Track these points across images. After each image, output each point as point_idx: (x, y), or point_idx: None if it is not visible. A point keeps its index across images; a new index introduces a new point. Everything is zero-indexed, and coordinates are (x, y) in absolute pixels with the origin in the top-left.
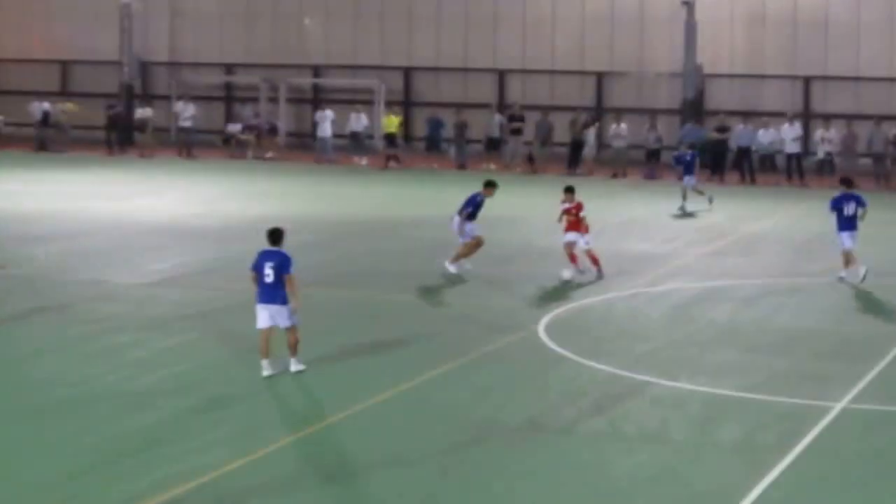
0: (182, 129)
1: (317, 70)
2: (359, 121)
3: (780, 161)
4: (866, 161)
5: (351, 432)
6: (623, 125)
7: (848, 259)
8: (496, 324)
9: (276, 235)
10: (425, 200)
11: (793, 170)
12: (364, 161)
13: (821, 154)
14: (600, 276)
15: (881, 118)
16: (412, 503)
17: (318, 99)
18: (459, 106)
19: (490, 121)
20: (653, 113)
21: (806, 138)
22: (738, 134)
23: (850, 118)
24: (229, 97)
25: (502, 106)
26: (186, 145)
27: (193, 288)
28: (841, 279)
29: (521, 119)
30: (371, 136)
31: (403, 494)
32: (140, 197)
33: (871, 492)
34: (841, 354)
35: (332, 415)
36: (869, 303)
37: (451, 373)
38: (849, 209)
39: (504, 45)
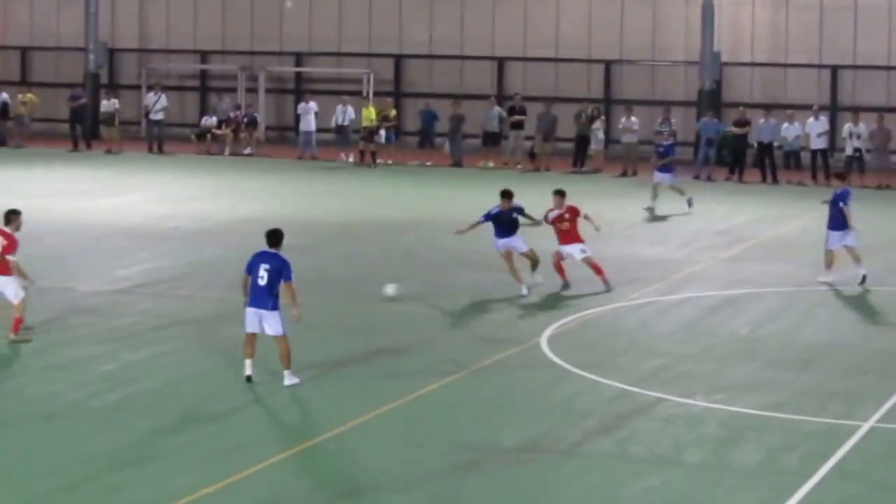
0: (152, 122)
1: (299, 58)
2: (345, 113)
3: (805, 158)
4: None
5: (338, 454)
6: (633, 118)
7: (832, 261)
8: (495, 336)
9: (275, 237)
10: (418, 200)
11: (818, 167)
12: (351, 157)
13: (849, 150)
14: (607, 287)
15: None
16: None
17: (300, 89)
18: (455, 97)
19: (488, 113)
20: (666, 105)
21: (833, 133)
22: (760, 128)
23: (881, 111)
24: (204, 87)
25: (502, 97)
26: (157, 140)
27: (165, 296)
28: (830, 284)
29: (523, 111)
30: (358, 130)
31: None
32: (107, 196)
33: None
34: (869, 370)
35: (318, 434)
36: None
37: (447, 389)
38: (843, 206)
39: (503, 31)
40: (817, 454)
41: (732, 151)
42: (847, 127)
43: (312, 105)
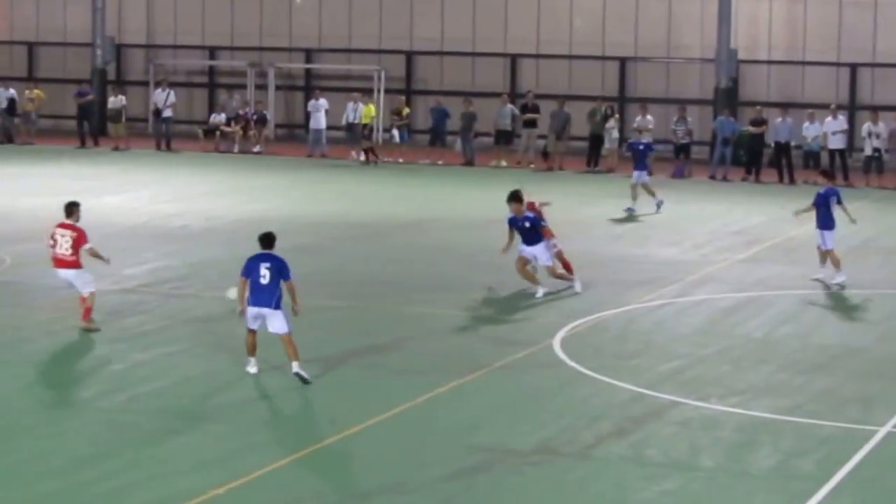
0: (161, 119)
1: (309, 54)
2: (356, 111)
3: (823, 157)
4: None
5: (346, 456)
6: (649, 117)
7: (826, 259)
8: (507, 337)
9: (269, 239)
10: (430, 199)
11: (836, 167)
12: (362, 156)
13: (868, 150)
14: (576, 286)
15: None
16: None
17: (310, 86)
18: (467, 94)
19: (501, 111)
20: (682, 103)
21: (851, 132)
22: (777, 127)
23: None
24: (212, 84)
25: (514, 95)
26: (165, 137)
27: (173, 295)
28: (821, 281)
29: (536, 109)
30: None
31: None
32: (114, 193)
33: None
34: (886, 374)
35: (327, 437)
36: None
37: (457, 391)
38: (832, 205)
39: (516, 27)
40: (833, 459)
41: (749, 151)
42: (866, 126)
43: (323, 102)
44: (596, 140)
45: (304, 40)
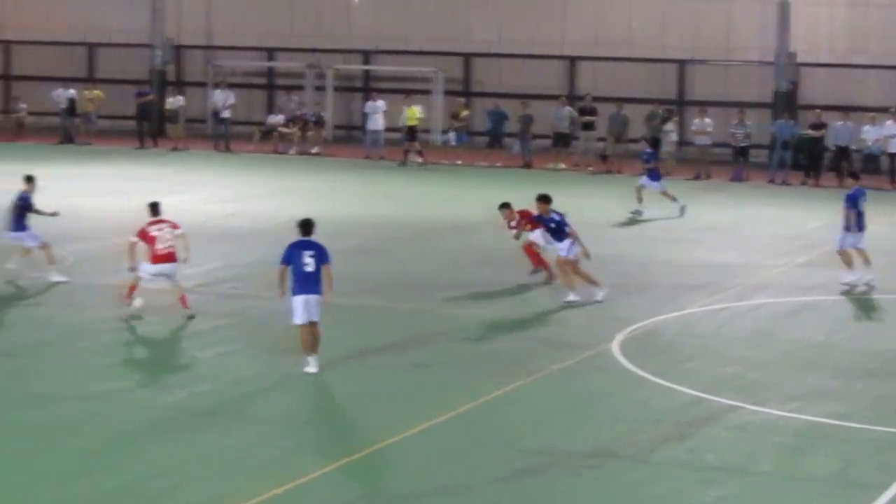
0: (219, 120)
1: (367, 56)
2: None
3: (883, 161)
4: None
5: (400, 458)
6: (707, 120)
7: (850, 260)
8: (565, 340)
9: (309, 225)
10: (487, 201)
11: None
12: (420, 158)
13: None
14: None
15: None
16: None
17: (368, 88)
18: (524, 97)
19: (559, 114)
20: (741, 106)
21: None
22: (836, 131)
23: None
24: (271, 85)
25: (572, 97)
26: (224, 138)
27: (229, 295)
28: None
29: (594, 112)
30: (428, 131)
31: None
32: (172, 194)
33: None
34: None
35: (381, 439)
36: None
37: (514, 394)
38: (862, 206)
39: (574, 29)
40: (891, 466)
41: (808, 155)
42: None
43: (380, 104)
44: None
45: (361, 42)
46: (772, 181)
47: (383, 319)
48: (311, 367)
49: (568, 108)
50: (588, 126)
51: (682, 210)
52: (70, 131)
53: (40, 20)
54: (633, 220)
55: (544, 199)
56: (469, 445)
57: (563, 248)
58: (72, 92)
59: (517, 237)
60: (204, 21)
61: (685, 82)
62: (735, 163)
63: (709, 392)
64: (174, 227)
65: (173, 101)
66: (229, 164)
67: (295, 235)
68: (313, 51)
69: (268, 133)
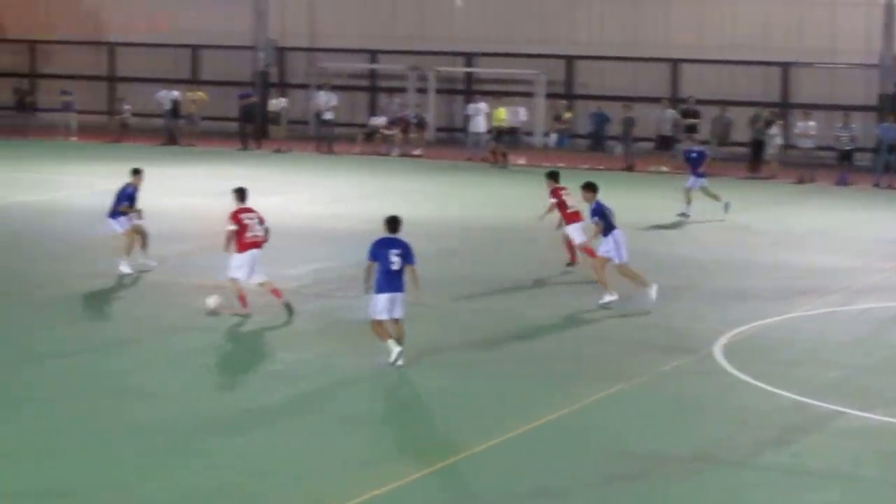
0: (321, 122)
1: (469, 58)
2: (517, 115)
3: None
4: None
5: (502, 459)
6: (811, 123)
7: None
8: (667, 344)
9: (396, 223)
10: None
11: None
12: (521, 160)
13: None
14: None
15: None
16: None
17: (470, 90)
18: (627, 99)
19: (661, 116)
20: (845, 109)
21: None
22: None
23: None
24: (373, 87)
25: (675, 100)
26: (326, 139)
27: (331, 296)
28: None
29: (696, 115)
30: (530, 133)
31: None
32: (275, 195)
33: None
34: None
35: (479, 442)
36: None
37: (615, 397)
38: None
39: (678, 31)
40: None
41: None
42: None
43: (482, 106)
44: (757, 146)
45: (464, 44)
46: (877, 185)
47: (482, 321)
48: (395, 356)
49: (670, 111)
50: (691, 129)
51: (727, 207)
52: (173, 133)
53: (144, 22)
54: (789, 224)
55: (589, 187)
56: (569, 449)
57: (603, 247)
58: (175, 93)
59: (548, 212)
60: (307, 23)
61: (789, 85)
62: (839, 166)
63: (813, 397)
64: (262, 220)
65: (276, 103)
66: (331, 166)
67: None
68: (415, 53)
69: (370, 135)
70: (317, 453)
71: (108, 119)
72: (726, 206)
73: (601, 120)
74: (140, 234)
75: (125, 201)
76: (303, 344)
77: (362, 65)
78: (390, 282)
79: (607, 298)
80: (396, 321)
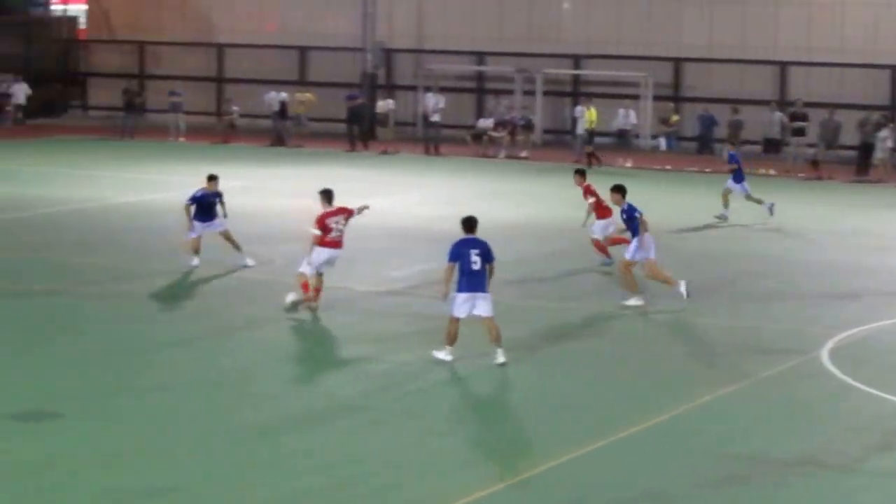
0: (429, 124)
1: (576, 60)
2: (627, 117)
3: None
4: None
5: (607, 462)
6: None
7: None
8: (773, 347)
9: (473, 223)
10: (694, 206)
11: None
12: (629, 162)
13: None
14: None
15: None
16: None
17: (577, 92)
18: (734, 102)
19: (769, 119)
20: None
21: None
22: None
23: None
24: (480, 89)
25: (783, 102)
26: (433, 141)
27: (436, 298)
28: None
29: (805, 118)
30: (637, 136)
31: None
32: (382, 196)
33: None
34: None
35: (582, 445)
36: None
37: (720, 401)
38: None
39: (786, 34)
40: None
41: None
42: None
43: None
44: (866, 149)
45: (571, 46)
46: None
47: (587, 323)
48: (444, 355)
49: (779, 114)
50: (799, 132)
51: (772, 209)
52: (281, 133)
53: (252, 24)
54: (839, 227)
55: (618, 190)
56: (672, 453)
57: (629, 249)
58: (283, 95)
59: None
60: (415, 25)
61: None
62: None
63: None
64: (349, 216)
65: (384, 105)
66: (438, 168)
67: (517, 248)
68: (523, 55)
69: (478, 137)
70: (419, 454)
71: (216, 120)
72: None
73: (709, 122)
74: (227, 238)
75: (192, 202)
76: (410, 345)
77: (469, 67)
78: (470, 281)
79: (632, 302)
80: (489, 319)
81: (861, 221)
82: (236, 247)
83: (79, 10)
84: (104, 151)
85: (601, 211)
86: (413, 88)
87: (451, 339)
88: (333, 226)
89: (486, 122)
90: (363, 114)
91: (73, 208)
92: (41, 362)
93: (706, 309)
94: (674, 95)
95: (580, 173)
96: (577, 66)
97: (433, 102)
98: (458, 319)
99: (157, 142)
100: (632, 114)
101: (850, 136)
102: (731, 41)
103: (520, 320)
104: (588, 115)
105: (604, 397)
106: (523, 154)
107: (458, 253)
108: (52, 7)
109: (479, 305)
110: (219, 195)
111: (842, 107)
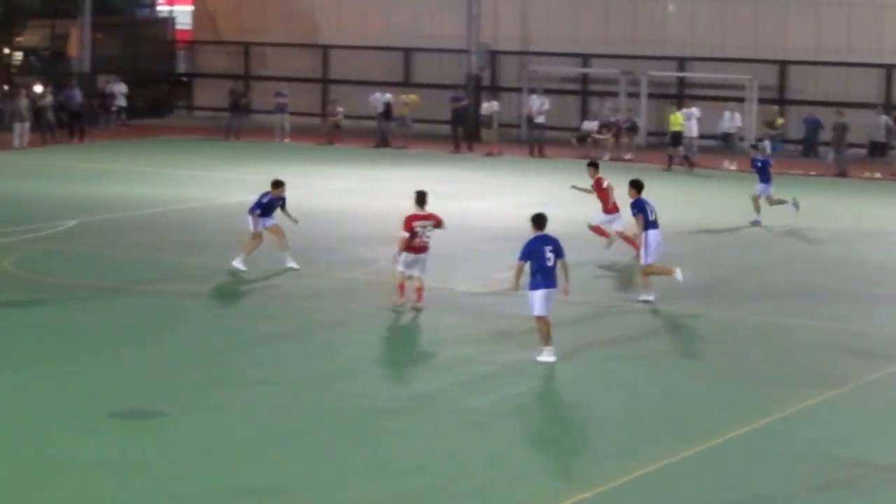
0: (533, 126)
1: (681, 63)
2: (732, 120)
3: None
4: None
5: (710, 466)
6: None
7: None
8: (877, 351)
9: (543, 220)
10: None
11: None
12: (733, 165)
13: None
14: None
15: None
16: None
17: (682, 94)
18: (840, 105)
19: (874, 122)
20: None
21: None
22: None
23: None
24: (585, 91)
25: (889, 106)
26: (538, 143)
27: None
28: None
29: None
30: (742, 139)
31: None
32: (485, 198)
33: None
34: None
35: (683, 448)
36: None
37: (822, 405)
38: None
39: (892, 36)
40: None
41: None
42: None
43: (694, 111)
44: None
45: (676, 49)
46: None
47: (690, 327)
48: (547, 356)
49: (884, 117)
50: None
51: (796, 204)
52: (386, 135)
53: (357, 25)
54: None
55: (634, 185)
56: (774, 456)
57: (641, 255)
58: (388, 96)
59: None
60: (519, 27)
61: None
62: None
63: None
64: (437, 224)
65: (488, 107)
66: (543, 170)
67: (616, 252)
68: (627, 57)
69: (582, 139)
70: (520, 455)
71: (320, 121)
72: (795, 205)
73: (813, 125)
74: (279, 237)
75: (257, 209)
76: (514, 345)
77: (574, 69)
78: (545, 278)
79: (644, 297)
80: (545, 319)
81: None
82: (284, 246)
83: (185, 11)
84: (210, 152)
85: (608, 206)
86: (517, 90)
87: (548, 338)
88: (420, 230)
89: (590, 125)
90: (467, 115)
91: (178, 208)
92: (148, 359)
93: (808, 312)
94: (779, 98)
95: (593, 166)
96: (681, 69)
97: (537, 104)
98: (544, 317)
99: (263, 142)
100: (737, 116)
101: None
102: (837, 43)
103: (613, 318)
104: (673, 118)
105: (699, 402)
106: (627, 156)
107: (531, 251)
108: (159, 8)
109: (551, 303)
110: (282, 200)
111: None
